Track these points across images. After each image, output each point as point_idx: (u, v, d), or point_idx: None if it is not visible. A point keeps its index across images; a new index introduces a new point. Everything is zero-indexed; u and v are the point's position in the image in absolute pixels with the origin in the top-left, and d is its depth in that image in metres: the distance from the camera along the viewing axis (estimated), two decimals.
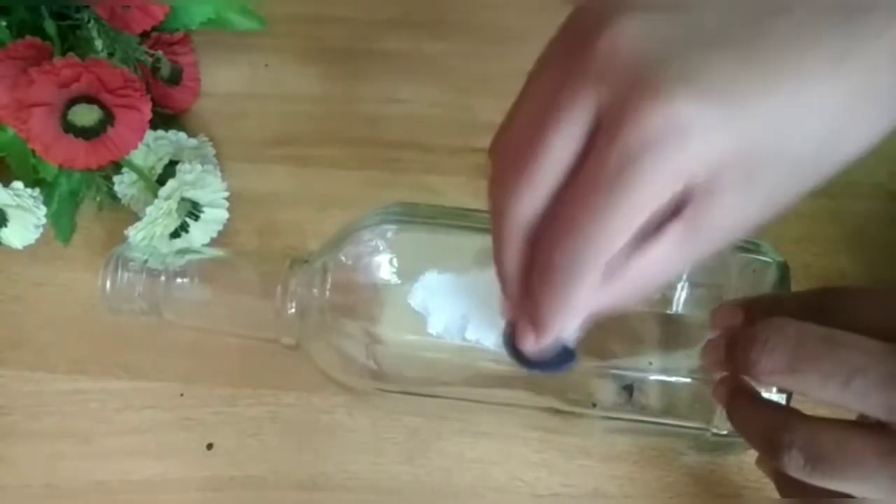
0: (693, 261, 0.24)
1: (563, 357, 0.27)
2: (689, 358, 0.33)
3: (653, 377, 0.34)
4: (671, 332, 0.34)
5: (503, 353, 0.29)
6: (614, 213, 0.22)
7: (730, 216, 0.23)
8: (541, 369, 0.28)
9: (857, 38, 0.21)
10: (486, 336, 0.33)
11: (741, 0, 0.22)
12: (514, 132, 0.25)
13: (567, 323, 0.25)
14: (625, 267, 0.24)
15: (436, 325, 0.33)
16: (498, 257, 0.26)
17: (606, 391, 0.34)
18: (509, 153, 0.24)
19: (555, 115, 0.23)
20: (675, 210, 0.23)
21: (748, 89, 0.21)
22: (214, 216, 0.43)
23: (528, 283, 0.25)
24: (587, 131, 0.23)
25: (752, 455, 0.37)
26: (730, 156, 0.22)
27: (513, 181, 0.24)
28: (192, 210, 0.42)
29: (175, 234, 0.42)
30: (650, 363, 0.33)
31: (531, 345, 0.26)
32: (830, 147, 0.23)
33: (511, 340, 0.27)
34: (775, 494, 0.29)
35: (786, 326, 0.26)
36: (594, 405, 0.35)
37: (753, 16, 0.22)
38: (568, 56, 0.23)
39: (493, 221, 0.25)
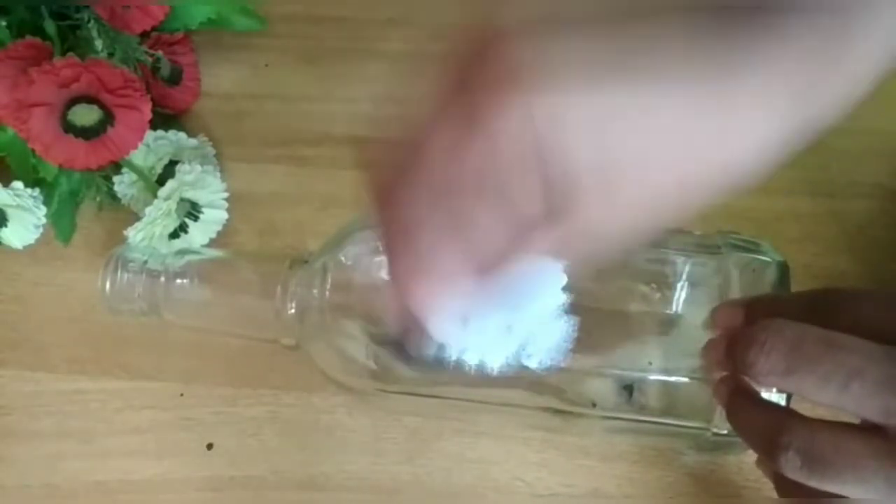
0: (569, 261, 0.24)
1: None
2: (689, 358, 0.33)
3: (653, 377, 0.34)
4: (671, 331, 0.34)
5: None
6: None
7: (596, 221, 0.23)
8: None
9: (730, 49, 0.21)
10: (486, 335, 0.33)
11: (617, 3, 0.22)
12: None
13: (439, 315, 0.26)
14: (500, 266, 0.24)
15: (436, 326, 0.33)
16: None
17: (606, 391, 0.34)
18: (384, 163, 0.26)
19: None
20: (546, 214, 0.23)
21: (607, 93, 0.21)
22: (214, 217, 0.43)
23: None
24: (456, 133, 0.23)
25: (752, 455, 0.37)
26: (590, 156, 0.21)
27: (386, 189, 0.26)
28: (192, 210, 0.42)
29: (174, 235, 0.42)
30: (650, 363, 0.34)
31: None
32: (694, 157, 0.22)
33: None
34: (775, 494, 0.29)
35: (784, 328, 0.26)
36: (594, 405, 0.35)
37: (629, 14, 0.22)
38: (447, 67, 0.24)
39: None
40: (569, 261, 0.24)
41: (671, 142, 0.22)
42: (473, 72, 0.23)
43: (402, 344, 0.28)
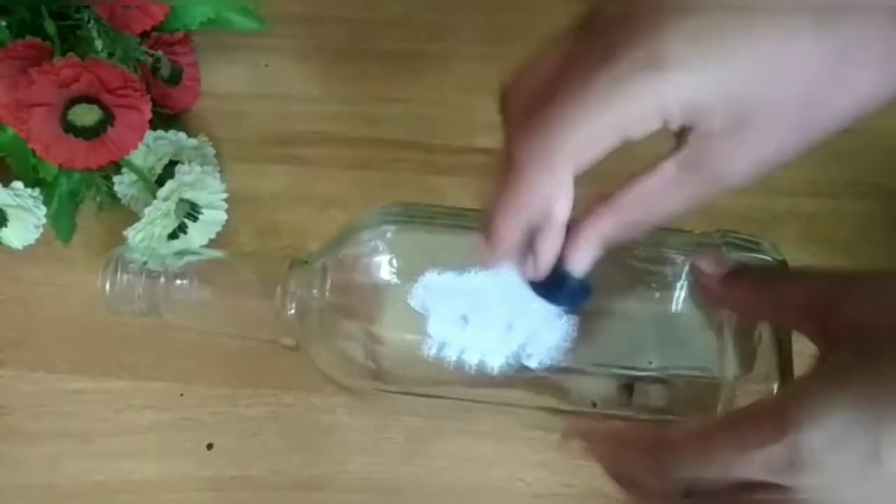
0: (691, 202, 0.25)
1: (578, 290, 0.28)
2: (689, 357, 0.33)
3: (653, 375, 0.34)
4: (671, 331, 0.34)
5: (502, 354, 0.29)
6: (593, 116, 0.23)
7: (724, 158, 0.24)
8: (557, 302, 0.30)
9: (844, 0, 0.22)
10: (486, 335, 0.33)
11: None
12: (524, 81, 0.26)
13: (539, 205, 0.26)
14: (624, 193, 0.25)
15: (436, 326, 0.33)
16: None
17: (606, 391, 0.34)
18: (521, 95, 0.26)
19: (551, 45, 0.25)
20: (674, 148, 0.24)
21: (730, 34, 0.22)
22: (213, 217, 0.43)
23: None
24: (581, 48, 0.25)
25: None
26: (714, 97, 0.23)
27: (507, 92, 0.27)
28: (191, 211, 0.42)
29: (173, 235, 0.42)
30: (650, 362, 0.34)
31: (530, 271, 0.28)
32: (817, 102, 0.23)
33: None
34: None
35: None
36: (594, 405, 0.35)
37: None
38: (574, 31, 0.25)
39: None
40: (687, 197, 0.25)
41: (797, 85, 0.23)
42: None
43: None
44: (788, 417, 0.23)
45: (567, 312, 0.31)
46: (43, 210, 0.42)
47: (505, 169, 0.26)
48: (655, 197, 0.25)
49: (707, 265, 0.31)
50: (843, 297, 0.27)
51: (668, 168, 0.25)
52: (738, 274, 0.30)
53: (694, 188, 0.25)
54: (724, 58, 0.22)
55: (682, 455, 0.25)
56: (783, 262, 0.34)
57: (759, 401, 0.26)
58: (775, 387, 0.31)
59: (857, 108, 0.24)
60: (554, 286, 0.28)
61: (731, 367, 0.32)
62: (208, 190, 0.42)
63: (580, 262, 0.27)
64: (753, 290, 0.30)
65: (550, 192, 0.25)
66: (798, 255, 0.36)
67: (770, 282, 0.30)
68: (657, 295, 0.34)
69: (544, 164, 0.24)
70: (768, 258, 0.34)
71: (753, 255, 0.34)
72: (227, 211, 0.43)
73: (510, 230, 0.26)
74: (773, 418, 0.23)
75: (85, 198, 0.44)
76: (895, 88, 0.24)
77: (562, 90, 0.24)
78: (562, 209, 0.26)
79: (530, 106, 0.25)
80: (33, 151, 0.39)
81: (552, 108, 0.24)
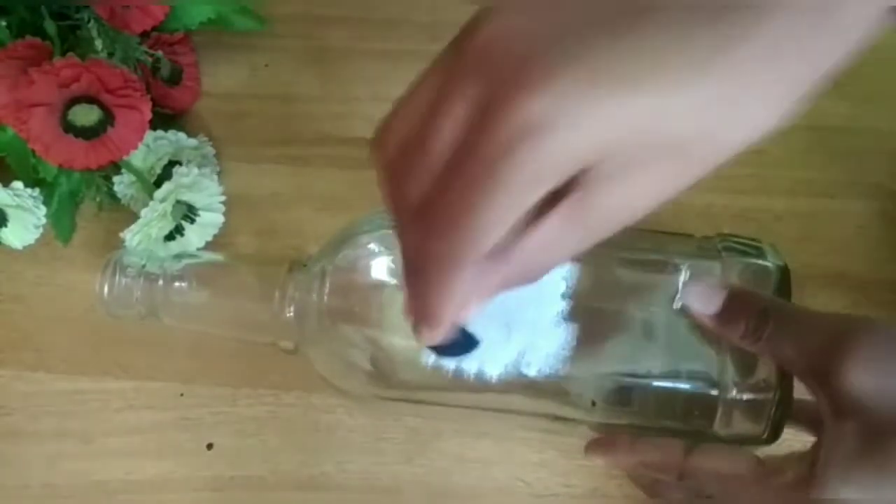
0: (582, 245, 0.24)
1: (465, 343, 0.28)
2: (688, 363, 0.33)
3: (652, 382, 0.34)
4: (670, 336, 0.34)
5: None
6: (488, 206, 0.22)
7: (615, 202, 0.23)
8: (447, 355, 0.29)
9: (725, 38, 0.21)
10: (485, 343, 0.33)
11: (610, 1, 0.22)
12: (397, 124, 0.25)
13: (454, 312, 0.25)
14: (511, 249, 0.24)
15: None
16: (399, 248, 0.26)
17: (605, 397, 0.34)
18: (391, 144, 0.25)
19: (436, 108, 0.23)
20: (559, 192, 0.23)
21: (628, 77, 0.21)
22: (210, 220, 0.43)
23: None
24: (468, 123, 0.23)
25: None
26: (612, 143, 0.22)
27: (396, 171, 0.25)
28: (188, 213, 0.42)
29: (170, 237, 0.42)
30: (650, 369, 0.33)
31: (427, 338, 0.26)
32: (709, 139, 0.22)
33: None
34: None
35: None
36: (594, 407, 0.35)
37: (624, 14, 0.22)
38: (451, 55, 0.23)
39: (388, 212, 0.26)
40: (576, 242, 0.24)
41: (691, 125, 0.22)
42: (479, 62, 0.22)
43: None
44: None
45: (452, 361, 0.31)
46: (43, 210, 0.42)
47: (413, 272, 0.25)
48: (544, 248, 0.24)
49: (695, 301, 0.31)
50: (847, 359, 0.26)
51: (556, 219, 0.23)
52: (731, 315, 0.30)
53: (579, 235, 0.24)
54: (623, 101, 0.21)
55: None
56: (784, 268, 0.34)
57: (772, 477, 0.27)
58: (775, 395, 0.31)
59: (746, 139, 0.23)
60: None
61: (730, 373, 0.32)
62: (206, 192, 0.42)
63: (464, 317, 0.26)
64: (752, 335, 0.29)
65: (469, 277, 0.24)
66: (798, 255, 0.36)
67: (766, 327, 0.29)
68: (656, 300, 0.34)
69: (457, 273, 0.23)
70: (768, 263, 0.34)
71: (753, 259, 0.34)
72: (227, 211, 0.43)
73: (451, 313, 0.25)
74: None
75: (85, 198, 0.44)
76: (780, 117, 0.23)
77: (453, 171, 0.23)
78: None
79: (417, 188, 0.24)
80: (33, 151, 0.39)
81: (449, 197, 0.23)
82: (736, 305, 0.30)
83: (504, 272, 0.24)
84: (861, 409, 0.26)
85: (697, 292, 0.31)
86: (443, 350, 0.28)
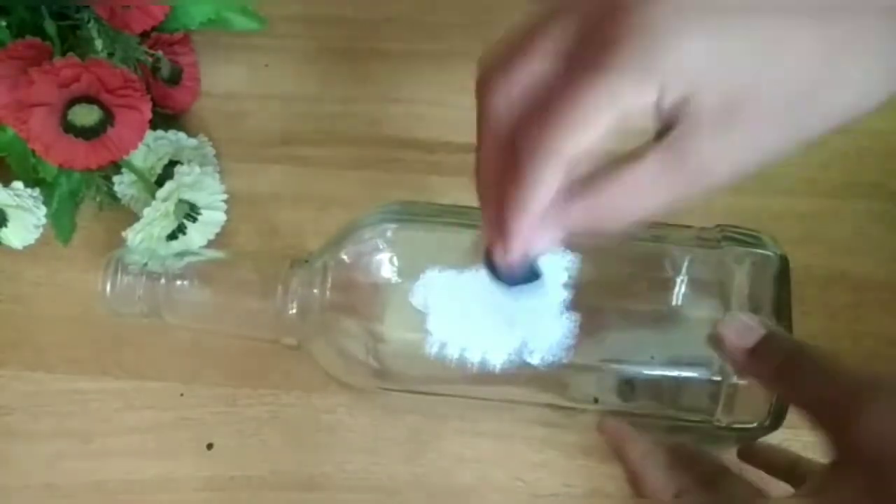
0: (673, 199, 0.24)
1: (530, 275, 0.27)
2: (690, 351, 0.33)
3: (654, 371, 0.34)
4: (672, 326, 0.34)
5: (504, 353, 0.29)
6: (578, 104, 0.22)
7: (711, 151, 0.23)
8: (509, 284, 0.28)
9: (827, 9, 0.22)
10: (488, 333, 0.33)
11: None
12: (501, 45, 0.25)
13: (531, 232, 0.25)
14: (599, 183, 0.24)
15: (437, 324, 0.33)
16: (477, 166, 0.26)
17: (608, 386, 0.34)
18: (493, 60, 0.25)
19: (540, 27, 0.24)
20: (657, 137, 0.23)
21: (731, 14, 0.21)
22: (212, 218, 0.43)
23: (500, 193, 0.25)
24: (572, 39, 0.23)
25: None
26: (707, 78, 0.22)
27: (493, 80, 0.25)
28: (190, 212, 0.42)
29: (172, 236, 0.42)
30: (652, 357, 0.34)
31: (500, 256, 0.26)
32: (812, 96, 0.22)
33: (487, 256, 0.27)
34: (778, 491, 0.29)
35: None
36: (596, 401, 0.35)
37: None
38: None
39: (476, 126, 0.26)
40: (669, 192, 0.24)
41: (793, 76, 0.22)
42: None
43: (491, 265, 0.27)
44: None
45: (510, 293, 0.29)
46: (43, 210, 0.42)
47: (511, 168, 0.24)
48: (635, 190, 0.24)
49: (731, 332, 0.30)
50: (864, 409, 0.26)
51: (651, 161, 0.23)
52: (764, 351, 0.29)
53: (676, 185, 0.24)
54: (723, 35, 0.22)
55: None
56: (783, 257, 0.34)
57: None
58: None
59: (849, 107, 0.23)
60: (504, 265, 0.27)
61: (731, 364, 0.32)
62: (207, 191, 0.42)
63: (539, 245, 0.25)
64: (776, 374, 0.29)
65: (557, 183, 0.24)
66: (798, 255, 0.36)
67: (793, 370, 0.29)
68: (657, 289, 0.34)
69: (554, 160, 0.23)
70: (768, 252, 0.34)
71: (753, 249, 0.34)
72: (227, 211, 0.43)
73: (528, 227, 0.25)
74: None
75: (85, 198, 0.44)
76: (887, 90, 0.23)
77: (559, 87, 0.23)
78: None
79: (528, 102, 0.24)
80: (33, 151, 0.39)
81: (559, 103, 0.23)
82: (770, 345, 0.29)
83: (586, 207, 0.24)
84: (872, 458, 0.25)
85: (736, 325, 0.30)
86: (508, 278, 0.27)
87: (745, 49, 0.22)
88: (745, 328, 0.30)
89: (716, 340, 0.30)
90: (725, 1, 0.22)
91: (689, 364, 0.33)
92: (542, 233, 0.25)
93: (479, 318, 0.32)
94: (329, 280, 0.35)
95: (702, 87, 0.22)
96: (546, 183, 0.23)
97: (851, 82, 0.23)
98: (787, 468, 0.33)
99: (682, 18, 0.21)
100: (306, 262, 0.37)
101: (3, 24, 0.40)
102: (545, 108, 0.23)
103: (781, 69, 0.22)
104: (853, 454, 0.26)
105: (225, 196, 0.43)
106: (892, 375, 0.27)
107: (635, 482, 0.32)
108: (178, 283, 0.38)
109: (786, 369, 0.29)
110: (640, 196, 0.24)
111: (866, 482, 0.25)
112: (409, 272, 0.34)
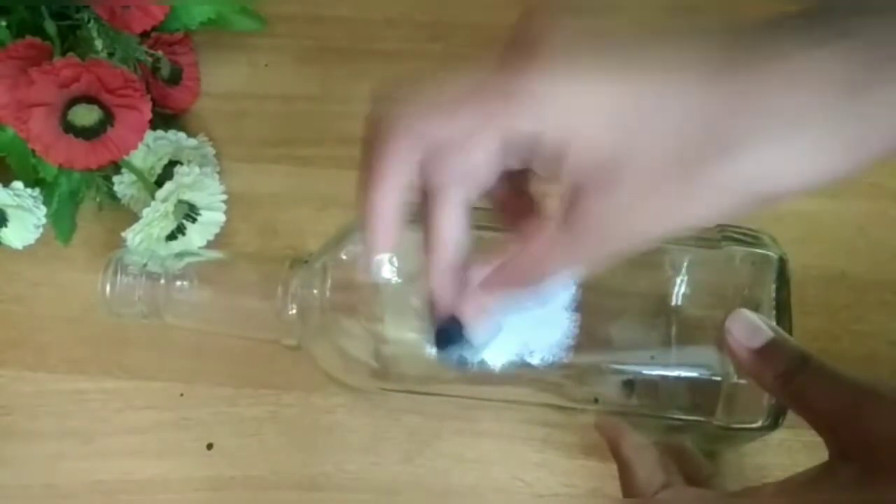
0: (574, 256, 0.24)
1: (464, 344, 0.28)
2: (690, 351, 0.33)
3: (654, 371, 0.34)
4: (672, 325, 0.34)
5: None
6: (465, 126, 0.24)
7: (600, 214, 0.23)
8: (444, 345, 0.29)
9: (732, 61, 0.21)
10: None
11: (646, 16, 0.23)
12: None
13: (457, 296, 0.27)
14: (511, 259, 0.25)
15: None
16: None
17: (608, 386, 0.34)
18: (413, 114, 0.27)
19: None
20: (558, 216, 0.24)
21: (619, 69, 0.21)
22: (212, 219, 0.43)
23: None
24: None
25: (752, 456, 0.38)
26: (584, 127, 0.22)
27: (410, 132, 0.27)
28: (189, 213, 0.42)
29: (172, 237, 0.42)
30: (651, 357, 0.34)
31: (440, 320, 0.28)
32: (700, 162, 0.21)
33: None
34: None
35: None
36: (596, 401, 0.35)
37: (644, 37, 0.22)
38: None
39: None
40: (571, 257, 0.25)
41: (674, 141, 0.21)
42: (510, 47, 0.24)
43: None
44: None
45: (450, 362, 0.31)
46: (43, 210, 0.42)
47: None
48: (536, 258, 0.25)
49: (739, 330, 0.30)
50: (863, 415, 0.26)
51: (549, 231, 0.24)
52: (769, 354, 0.29)
53: (575, 248, 0.24)
54: (596, 88, 0.21)
55: None
56: (783, 257, 0.34)
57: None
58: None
59: (757, 179, 0.21)
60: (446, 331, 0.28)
61: (731, 363, 0.32)
62: (207, 191, 0.42)
63: (474, 320, 0.27)
64: (780, 379, 0.29)
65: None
66: (798, 255, 0.36)
67: (796, 379, 0.29)
68: (657, 289, 0.34)
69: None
70: (768, 252, 0.34)
71: (753, 248, 0.34)
72: (227, 211, 0.43)
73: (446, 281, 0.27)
74: None
75: (85, 198, 0.44)
76: (832, 169, 0.21)
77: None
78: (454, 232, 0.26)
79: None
80: (33, 151, 0.39)
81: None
82: (776, 349, 0.29)
83: (501, 279, 0.26)
84: (867, 452, 0.26)
85: (744, 323, 0.30)
86: (441, 338, 0.28)
87: (622, 105, 0.21)
88: (753, 328, 0.30)
89: (725, 332, 0.30)
90: (622, 56, 0.22)
91: (689, 364, 0.33)
92: (479, 308, 0.27)
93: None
94: (329, 280, 0.35)
95: (579, 135, 0.22)
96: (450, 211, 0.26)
97: (757, 152, 0.21)
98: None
99: (575, 64, 0.22)
100: (306, 262, 0.37)
101: (3, 24, 0.40)
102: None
103: (658, 130, 0.21)
104: (848, 451, 0.26)
105: (224, 196, 0.43)
106: (890, 383, 0.27)
107: (624, 475, 0.32)
108: (178, 283, 0.38)
109: (788, 377, 0.29)
110: (542, 263, 0.25)
111: (857, 473, 0.25)
112: (410, 272, 0.34)
